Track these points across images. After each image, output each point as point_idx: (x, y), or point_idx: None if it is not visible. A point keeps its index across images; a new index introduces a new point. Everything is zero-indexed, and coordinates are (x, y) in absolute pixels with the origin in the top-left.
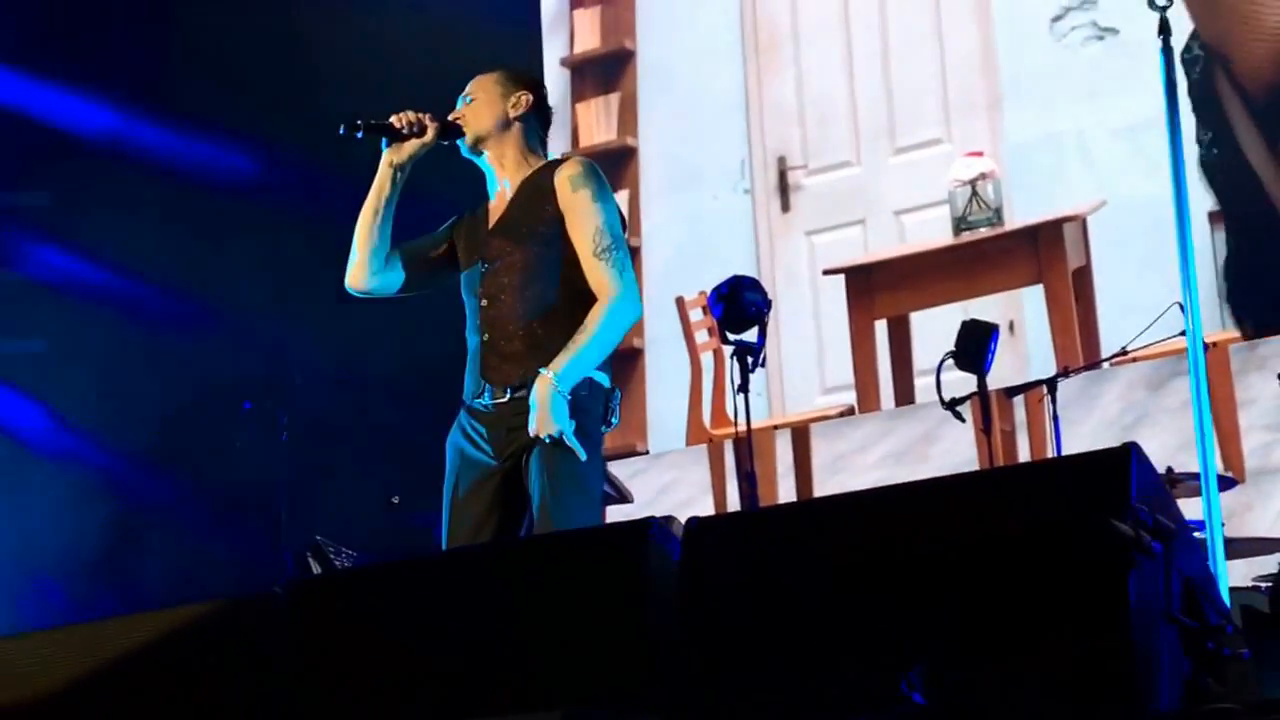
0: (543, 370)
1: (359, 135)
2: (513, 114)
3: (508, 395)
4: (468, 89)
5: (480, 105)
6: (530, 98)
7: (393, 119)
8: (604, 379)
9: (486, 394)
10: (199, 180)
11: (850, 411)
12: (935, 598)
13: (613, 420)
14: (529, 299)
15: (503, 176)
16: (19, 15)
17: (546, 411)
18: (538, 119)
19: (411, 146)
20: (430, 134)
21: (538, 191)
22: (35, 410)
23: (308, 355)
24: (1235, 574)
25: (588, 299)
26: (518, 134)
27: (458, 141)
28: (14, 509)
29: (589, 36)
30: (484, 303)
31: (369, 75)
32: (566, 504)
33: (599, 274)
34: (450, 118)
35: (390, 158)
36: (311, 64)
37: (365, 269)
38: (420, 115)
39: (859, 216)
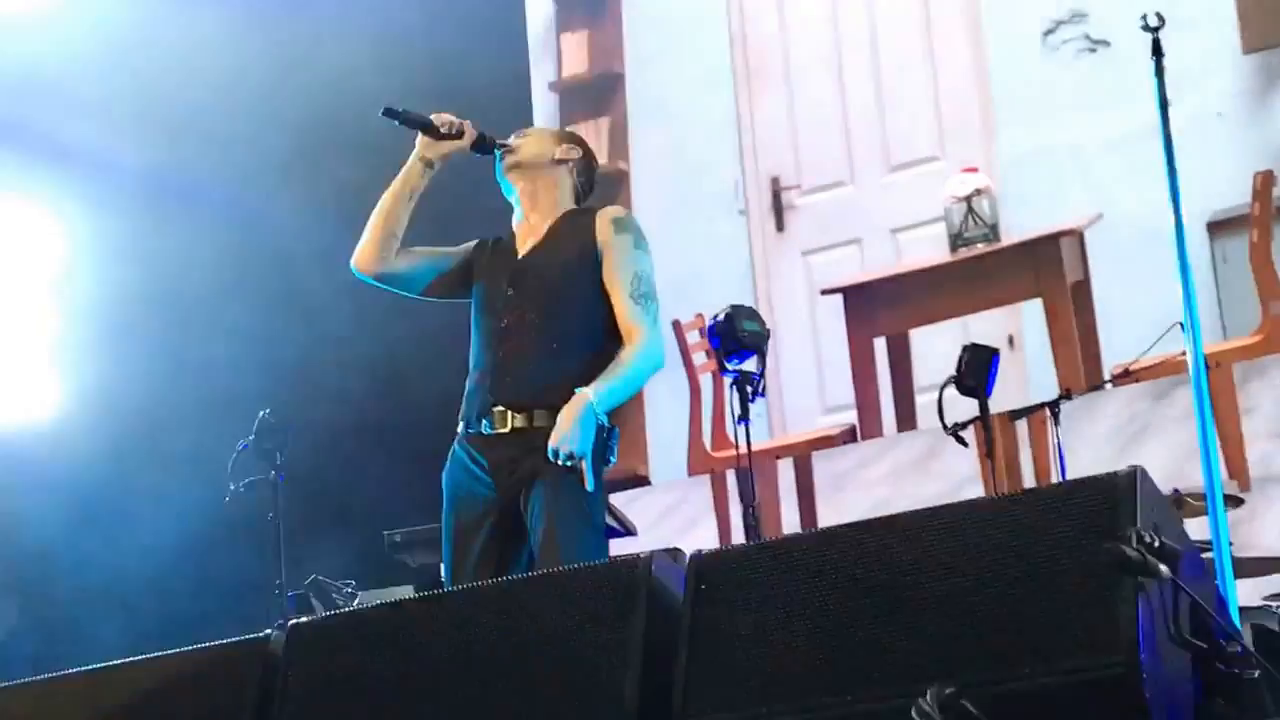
0: (580, 389)
1: (397, 122)
2: (560, 156)
3: (509, 426)
4: (525, 130)
5: (532, 140)
6: (581, 154)
7: (433, 116)
8: (604, 417)
9: (489, 421)
10: (195, 212)
11: (852, 432)
12: (943, 624)
13: (611, 459)
14: (552, 329)
15: (532, 212)
16: None
17: (576, 429)
18: (580, 177)
19: (446, 146)
20: (467, 139)
21: (576, 228)
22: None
23: (303, 392)
24: (1244, 590)
25: (610, 339)
26: (556, 176)
27: (496, 163)
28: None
29: (578, 60)
30: (504, 323)
31: (358, 102)
32: (572, 537)
33: (634, 317)
34: (501, 141)
35: (423, 152)
36: (298, 92)
37: (374, 253)
38: (462, 121)
39: (855, 235)
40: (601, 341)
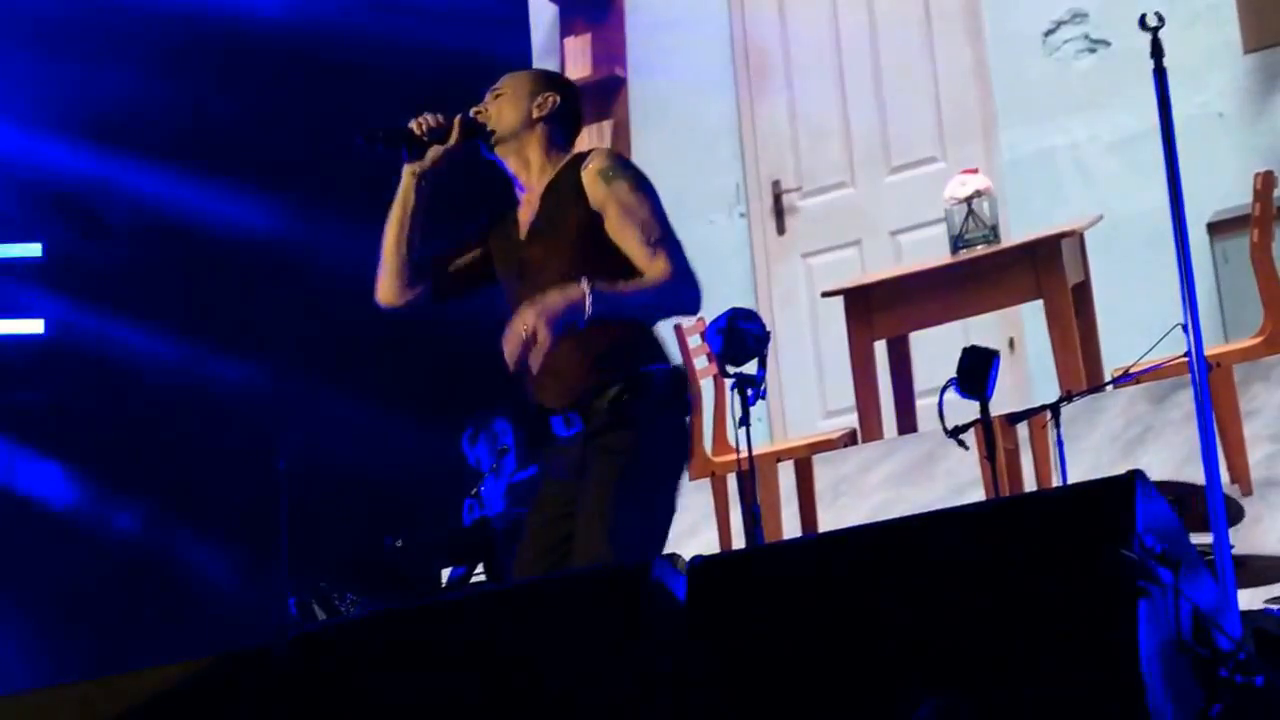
0: (583, 280)
1: (379, 148)
2: (537, 114)
3: (573, 429)
4: (498, 84)
5: (505, 101)
6: (558, 99)
7: (411, 124)
8: (663, 363)
9: (553, 424)
10: (198, 226)
11: (852, 435)
12: (943, 632)
13: (686, 399)
14: None
15: (528, 180)
16: None
17: (557, 309)
18: (564, 123)
19: (434, 153)
20: (453, 137)
21: (565, 194)
22: (34, 461)
23: (306, 400)
24: (1245, 594)
25: None
26: (541, 135)
27: (479, 141)
28: (15, 561)
29: (580, 64)
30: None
31: (361, 106)
32: (613, 521)
33: (658, 265)
34: (473, 111)
35: (413, 167)
36: (300, 98)
37: (395, 283)
38: (439, 118)
39: (855, 237)
40: None
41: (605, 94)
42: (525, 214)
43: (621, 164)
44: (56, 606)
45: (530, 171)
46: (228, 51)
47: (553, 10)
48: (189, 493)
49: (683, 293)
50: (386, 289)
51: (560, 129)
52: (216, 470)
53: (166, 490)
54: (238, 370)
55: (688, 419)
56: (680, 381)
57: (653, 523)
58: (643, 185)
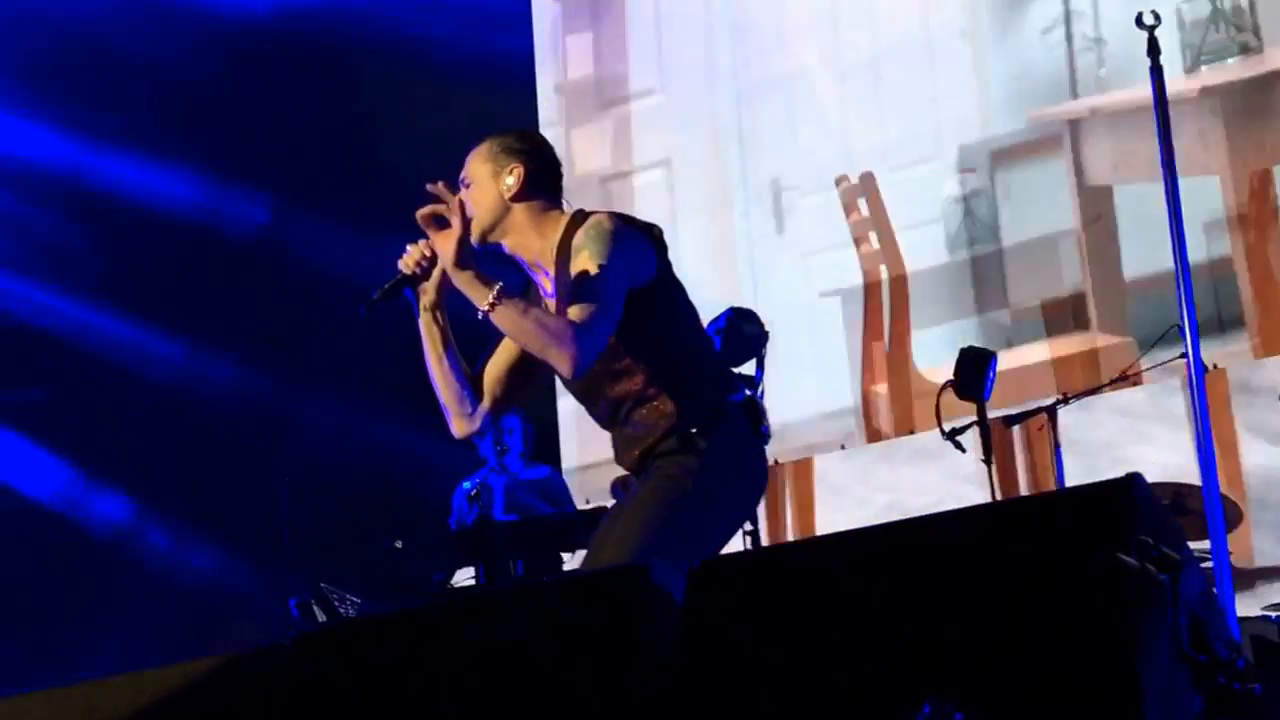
0: (496, 287)
1: (380, 307)
2: (507, 195)
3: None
4: (465, 168)
5: (476, 192)
6: (522, 170)
7: (400, 266)
8: (735, 394)
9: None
10: (205, 229)
11: (851, 437)
12: (940, 637)
13: (762, 430)
14: (614, 392)
15: (534, 259)
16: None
17: (462, 288)
18: (540, 185)
19: (435, 280)
20: (445, 251)
21: (566, 266)
22: (34, 460)
23: (308, 401)
24: (1243, 600)
25: (669, 348)
26: (522, 215)
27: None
28: (15, 562)
29: (583, 62)
30: (579, 400)
31: (364, 104)
32: (641, 541)
33: (571, 312)
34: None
35: (422, 303)
36: (301, 97)
37: (461, 416)
38: (421, 246)
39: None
40: (664, 363)
41: (606, 92)
42: (549, 286)
43: (595, 232)
44: (55, 607)
45: (532, 252)
46: (229, 48)
47: (555, 8)
48: (190, 494)
49: (568, 346)
50: (456, 427)
51: (539, 193)
52: (218, 471)
53: (168, 492)
54: (240, 372)
55: (760, 450)
56: (753, 412)
57: (684, 552)
58: (605, 253)
